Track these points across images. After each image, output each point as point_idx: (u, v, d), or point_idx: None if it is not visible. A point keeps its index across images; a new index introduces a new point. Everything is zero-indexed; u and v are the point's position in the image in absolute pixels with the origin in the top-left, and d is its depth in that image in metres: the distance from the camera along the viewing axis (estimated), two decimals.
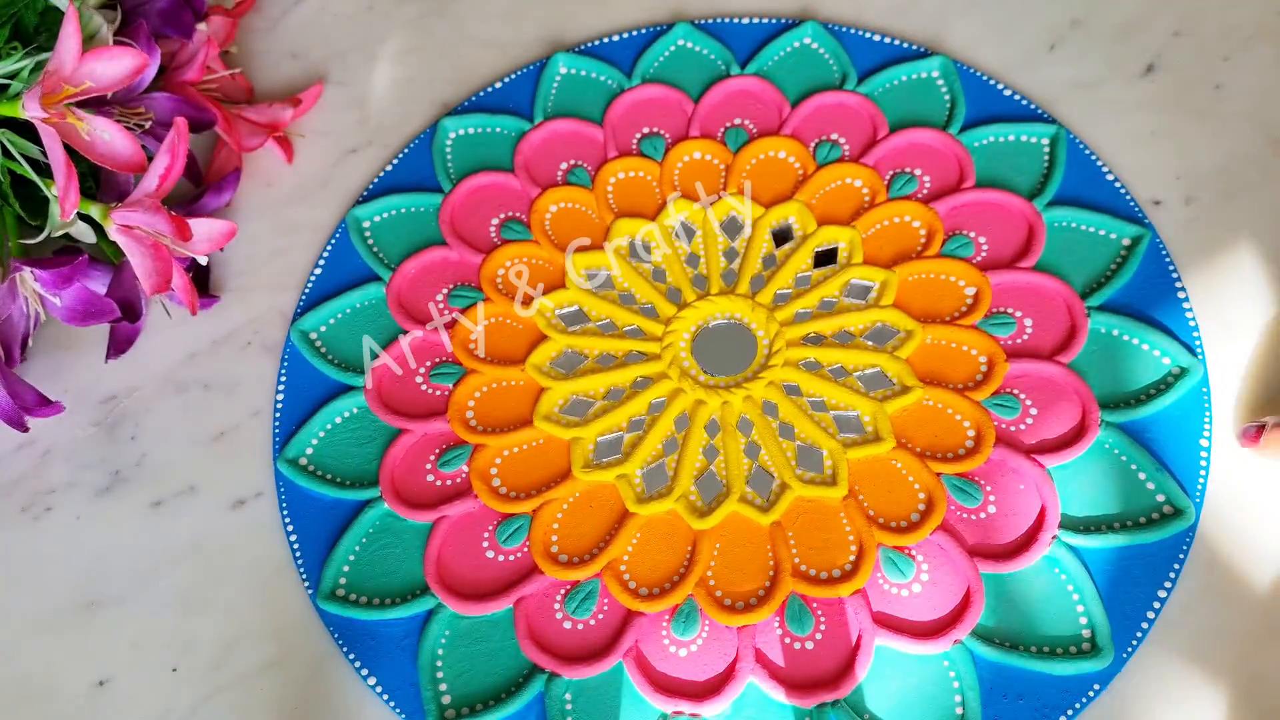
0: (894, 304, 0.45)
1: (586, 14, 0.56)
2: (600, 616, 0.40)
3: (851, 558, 0.40)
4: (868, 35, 0.53)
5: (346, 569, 0.42)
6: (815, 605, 0.40)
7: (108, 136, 0.42)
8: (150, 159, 0.43)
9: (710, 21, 0.54)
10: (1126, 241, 0.46)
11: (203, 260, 0.45)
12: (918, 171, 0.49)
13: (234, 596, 0.42)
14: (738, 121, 0.51)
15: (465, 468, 0.43)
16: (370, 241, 0.49)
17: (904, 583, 0.40)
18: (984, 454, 0.42)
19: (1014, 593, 0.39)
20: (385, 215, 0.50)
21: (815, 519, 0.41)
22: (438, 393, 0.45)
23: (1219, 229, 0.46)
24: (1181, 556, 0.39)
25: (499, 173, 0.51)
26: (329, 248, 0.49)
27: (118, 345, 0.46)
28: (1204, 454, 0.41)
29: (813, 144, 0.50)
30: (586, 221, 0.49)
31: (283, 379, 0.46)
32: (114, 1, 0.48)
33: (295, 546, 0.43)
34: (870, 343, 0.45)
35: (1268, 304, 0.44)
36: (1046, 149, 0.49)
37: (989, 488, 0.41)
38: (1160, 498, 0.41)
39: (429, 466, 0.44)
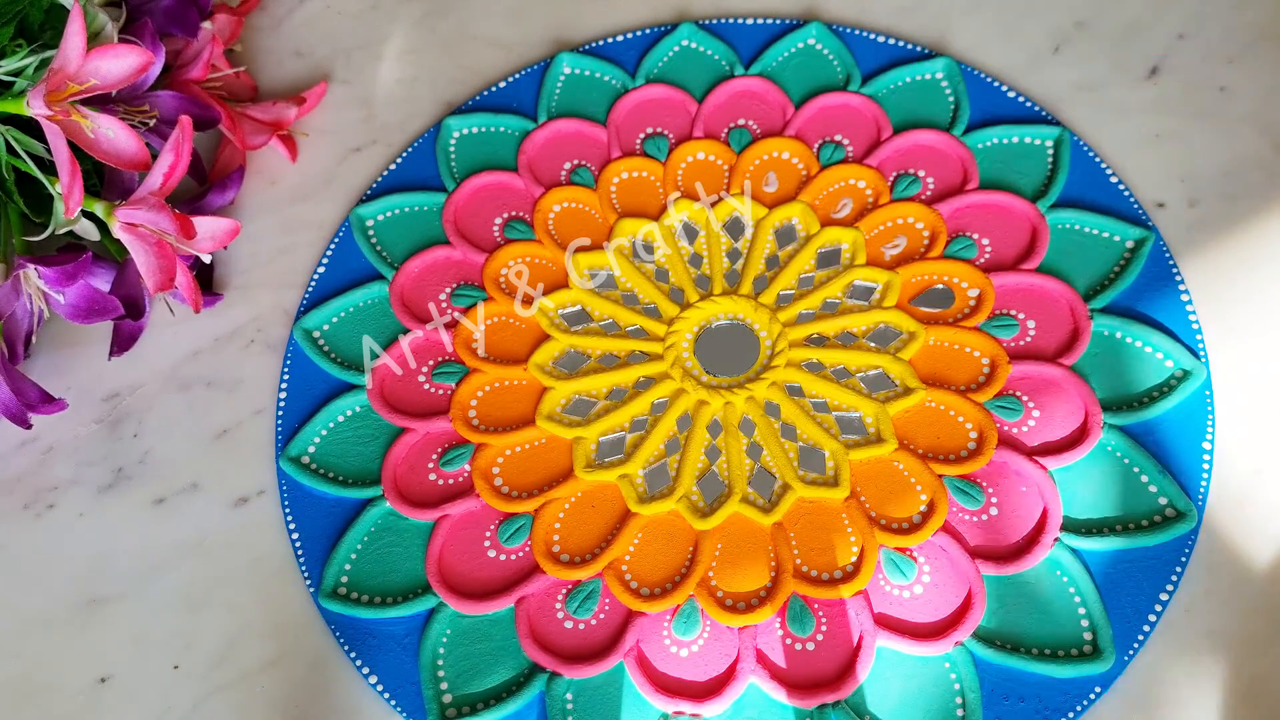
0: (896, 305, 0.45)
1: (591, 14, 0.56)
2: (601, 616, 0.40)
3: (853, 559, 0.40)
4: (872, 36, 0.53)
5: (348, 567, 0.42)
6: (816, 606, 0.40)
7: (112, 134, 0.42)
8: (154, 157, 0.43)
9: (715, 22, 0.54)
10: (1130, 244, 0.46)
11: (206, 258, 0.45)
12: (921, 173, 0.49)
13: (235, 594, 0.42)
14: (741, 122, 0.51)
15: (467, 467, 0.43)
16: (374, 240, 0.50)
17: (905, 584, 0.40)
18: (986, 456, 0.42)
19: (1015, 595, 0.39)
20: (389, 214, 0.50)
21: (817, 520, 0.41)
22: (440, 392, 0.45)
23: (1223, 232, 0.46)
24: (1183, 559, 0.39)
25: (502, 172, 0.51)
26: (332, 246, 0.50)
27: (121, 342, 0.46)
28: (1206, 457, 0.41)
29: (816, 145, 0.50)
30: (590, 221, 0.49)
31: (285, 377, 0.46)
32: None
33: (297, 545, 0.43)
34: (873, 344, 0.45)
35: (1271, 307, 0.44)
36: (1050, 151, 0.49)
37: (991, 490, 0.41)
38: (1162, 500, 0.40)
39: (431, 465, 0.44)
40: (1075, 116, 0.50)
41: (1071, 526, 0.40)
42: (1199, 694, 0.38)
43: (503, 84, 0.54)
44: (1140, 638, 0.38)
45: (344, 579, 0.42)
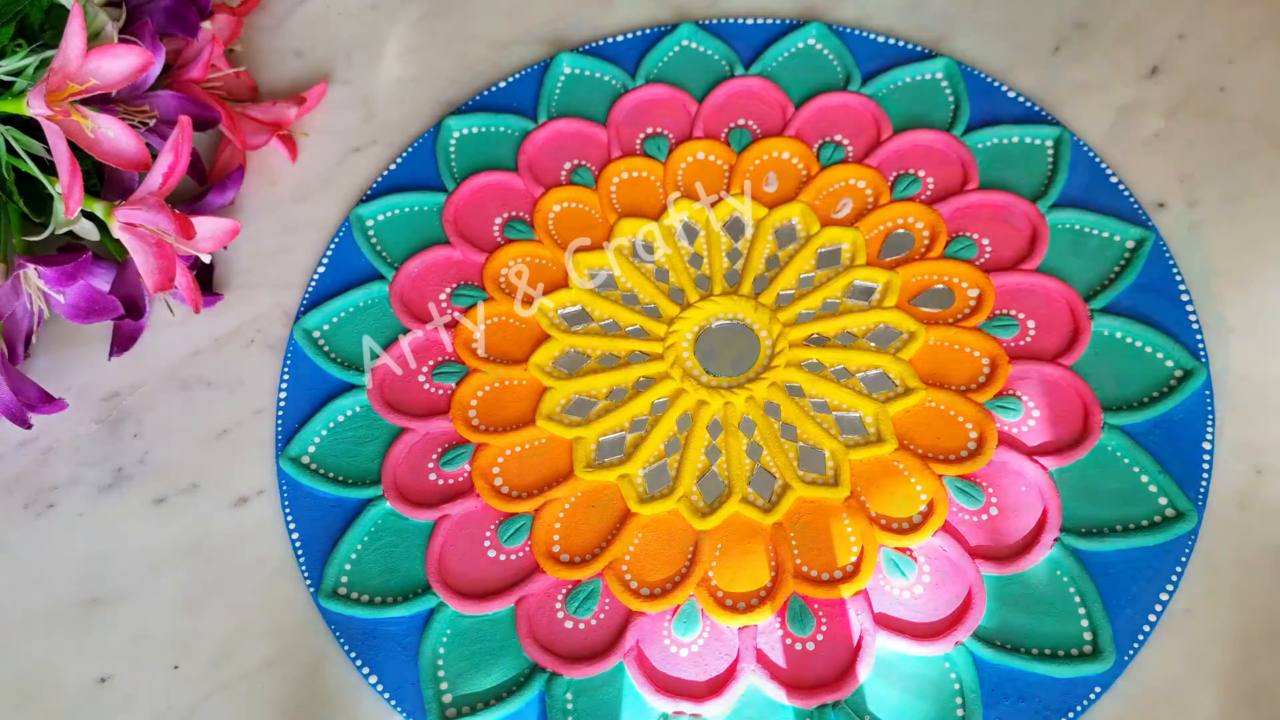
0: (896, 305, 0.45)
1: (591, 14, 0.56)
2: (601, 616, 0.40)
3: (853, 559, 0.40)
4: (872, 36, 0.53)
5: (348, 567, 0.42)
6: (816, 606, 0.40)
7: (112, 134, 0.42)
8: (154, 157, 0.43)
9: (714, 22, 0.54)
10: (1130, 244, 0.46)
11: (206, 258, 0.45)
12: (921, 173, 0.49)
13: (235, 594, 0.42)
14: (741, 122, 0.51)
15: (467, 467, 0.43)
16: (373, 240, 0.50)
17: (906, 584, 0.40)
18: (986, 456, 0.42)
19: (1015, 595, 0.39)
20: (389, 214, 0.50)
21: (817, 520, 0.41)
22: (440, 392, 0.45)
23: (1223, 232, 0.46)
24: (1183, 560, 0.39)
25: (502, 172, 0.51)
26: (332, 246, 0.50)
27: (121, 342, 0.46)
28: (1206, 457, 0.41)
29: (816, 145, 0.50)
30: (590, 221, 0.49)
31: (285, 377, 0.46)
32: None
33: (297, 545, 0.43)
34: (873, 344, 0.45)
35: (1271, 307, 0.44)
36: (1050, 151, 0.49)
37: (991, 490, 0.41)
38: (1162, 500, 0.40)
39: (431, 465, 0.44)
40: (1075, 116, 0.50)
41: (1071, 527, 0.40)
42: (1199, 694, 0.38)
43: (502, 84, 0.54)
44: (1140, 638, 0.38)
45: (344, 579, 0.42)
